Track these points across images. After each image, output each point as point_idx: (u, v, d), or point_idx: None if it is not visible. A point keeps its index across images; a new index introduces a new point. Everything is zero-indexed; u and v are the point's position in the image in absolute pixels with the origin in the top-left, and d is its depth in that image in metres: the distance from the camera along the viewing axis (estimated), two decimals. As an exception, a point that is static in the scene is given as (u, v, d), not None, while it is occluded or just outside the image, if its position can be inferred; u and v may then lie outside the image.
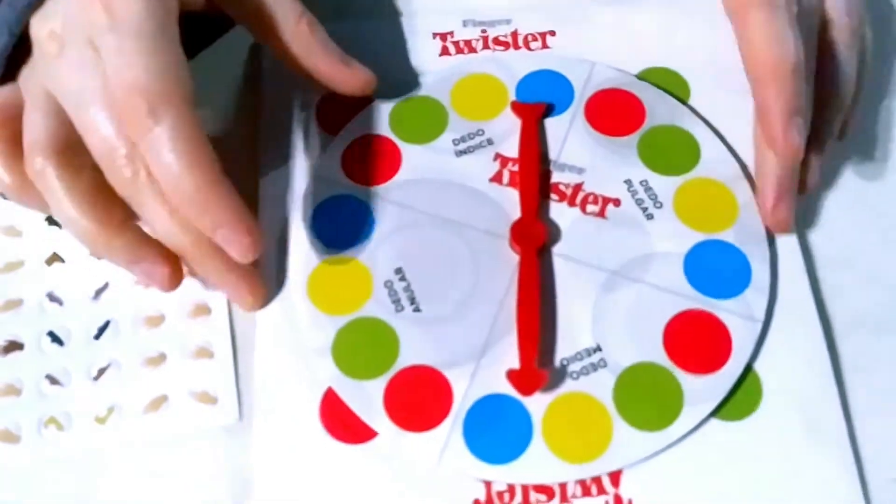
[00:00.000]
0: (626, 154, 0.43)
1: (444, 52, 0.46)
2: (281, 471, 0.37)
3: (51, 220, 0.43)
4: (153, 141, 0.34)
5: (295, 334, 0.39)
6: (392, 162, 0.43)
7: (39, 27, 0.36)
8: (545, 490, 0.37)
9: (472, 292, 0.39)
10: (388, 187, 0.42)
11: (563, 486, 0.37)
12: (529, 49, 0.46)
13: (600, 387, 0.38)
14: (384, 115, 0.44)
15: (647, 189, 0.42)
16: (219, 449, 0.38)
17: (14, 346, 0.40)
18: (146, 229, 0.37)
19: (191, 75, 0.35)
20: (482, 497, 0.37)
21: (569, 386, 0.38)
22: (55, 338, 0.40)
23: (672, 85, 0.45)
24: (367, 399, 0.37)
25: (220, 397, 0.38)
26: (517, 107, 0.44)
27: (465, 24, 0.47)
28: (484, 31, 0.47)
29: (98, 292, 0.41)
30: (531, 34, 0.47)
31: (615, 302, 0.39)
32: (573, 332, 0.39)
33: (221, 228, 0.35)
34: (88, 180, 0.36)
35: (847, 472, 0.37)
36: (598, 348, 0.38)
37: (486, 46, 0.46)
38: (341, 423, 0.37)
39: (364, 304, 0.39)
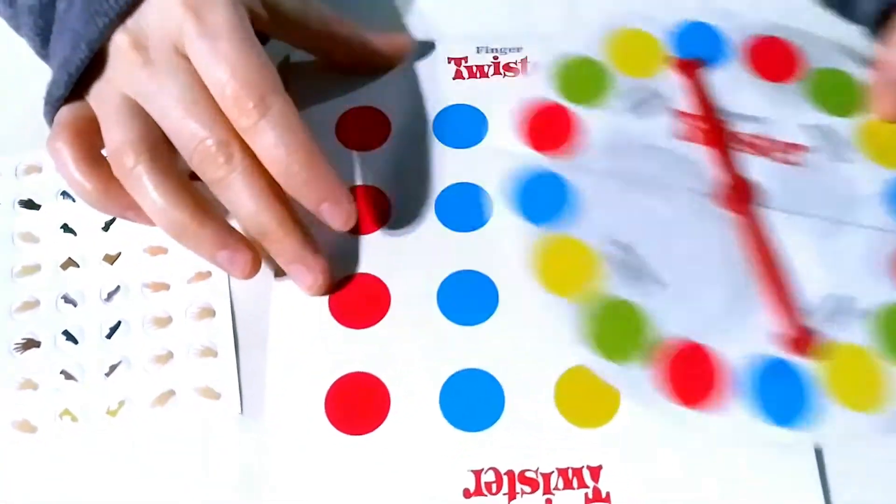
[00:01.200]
0: (796, 100, 0.43)
1: (458, 75, 0.49)
2: (288, 461, 0.40)
3: (66, 228, 0.45)
4: (264, 127, 0.38)
5: (303, 328, 0.42)
6: (572, 127, 0.44)
7: (122, 39, 0.40)
8: (530, 482, 0.39)
9: (698, 255, 0.41)
10: (577, 155, 0.44)
11: (546, 477, 0.39)
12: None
13: (861, 333, 0.40)
14: (547, 80, 0.46)
15: (829, 132, 0.43)
16: (221, 441, 0.40)
17: (31, 343, 0.43)
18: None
19: None
20: (471, 486, 0.39)
21: (834, 337, 0.40)
22: (70, 336, 0.43)
23: None
24: (636, 382, 0.40)
25: (223, 393, 0.41)
26: (679, 63, 0.45)
27: (478, 50, 0.49)
28: (496, 58, 0.49)
29: (110, 295, 0.44)
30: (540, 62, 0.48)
31: (840, 247, 0.41)
32: (810, 283, 0.40)
33: (326, 201, 0.39)
34: (176, 174, 0.39)
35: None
36: (845, 296, 0.40)
37: (497, 72, 0.49)
38: (345, 415, 0.40)
39: (598, 282, 0.42)
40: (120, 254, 0.45)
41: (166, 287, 0.44)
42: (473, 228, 0.45)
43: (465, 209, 0.45)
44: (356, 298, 0.43)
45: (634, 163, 0.43)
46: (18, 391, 0.42)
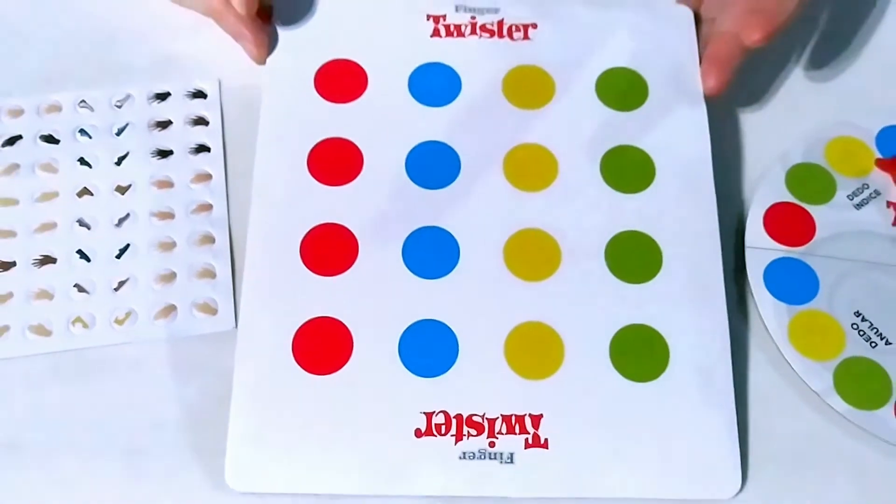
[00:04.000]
0: None
1: (436, 33, 0.52)
2: (254, 396, 0.44)
3: (82, 161, 0.51)
4: None
5: (275, 274, 0.46)
6: (807, 224, 0.49)
7: None
8: (476, 425, 0.44)
9: None
10: (815, 245, 0.49)
11: (491, 422, 0.44)
12: (512, 39, 0.53)
13: None
14: (783, 184, 0.51)
15: None
16: (214, 350, 0.46)
17: (48, 259, 0.48)
18: None
19: None
20: (423, 427, 0.44)
21: None
22: (83, 255, 0.48)
23: (632, 85, 0.52)
24: (882, 423, 0.45)
25: (220, 309, 0.47)
26: (884, 164, 0.51)
27: (457, 9, 0.53)
28: (473, 18, 0.53)
29: (121, 221, 0.49)
30: (515, 25, 0.53)
31: None
32: None
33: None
34: None
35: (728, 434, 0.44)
36: None
37: (473, 32, 0.52)
38: (310, 355, 0.44)
39: (844, 347, 0.47)
40: (130, 185, 0.50)
41: (171, 216, 0.49)
42: (441, 186, 0.49)
43: (435, 167, 0.49)
44: (325, 248, 0.47)
45: (864, 247, 0.49)
46: (35, 300, 0.47)
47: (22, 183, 0.50)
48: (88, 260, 0.48)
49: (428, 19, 0.53)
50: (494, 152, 0.50)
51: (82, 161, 0.51)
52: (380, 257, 0.47)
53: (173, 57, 0.54)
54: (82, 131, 0.51)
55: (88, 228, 0.49)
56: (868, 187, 0.51)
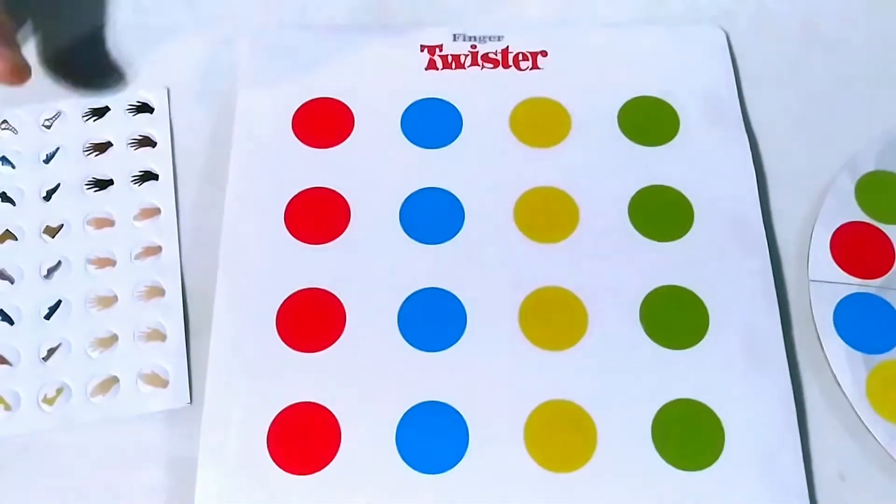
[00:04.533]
0: None
1: (431, 65, 0.46)
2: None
3: (3, 197, 0.43)
4: None
5: (249, 365, 0.39)
6: (885, 249, 0.42)
7: None
8: None
9: None
10: (894, 277, 0.41)
11: None
12: (519, 69, 0.47)
13: None
14: (853, 198, 0.43)
15: None
16: (166, 432, 0.38)
17: (-40, 323, 0.39)
18: None
19: None
20: None
21: None
22: (5, 316, 0.40)
23: (661, 116, 0.46)
24: None
25: (172, 380, 0.38)
26: None
27: (455, 37, 0.47)
28: (474, 47, 0.47)
29: (50, 271, 0.41)
30: (522, 53, 0.47)
31: None
32: None
33: None
34: None
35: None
36: None
37: (474, 62, 0.47)
38: (291, 452, 0.37)
39: None
40: (62, 226, 0.42)
41: (112, 263, 0.41)
42: (441, 241, 0.42)
43: (434, 218, 0.43)
44: (307, 319, 0.40)
45: None
46: None
47: None
48: (11, 322, 0.40)
49: (422, 50, 0.47)
50: (503, 198, 0.43)
51: (3, 197, 0.43)
52: (371, 328, 0.40)
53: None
54: (3, 159, 0.44)
55: (11, 282, 0.41)
56: None
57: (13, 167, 0.43)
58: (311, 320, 0.40)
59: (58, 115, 0.45)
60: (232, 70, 0.46)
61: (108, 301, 0.40)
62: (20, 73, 0.40)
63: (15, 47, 0.41)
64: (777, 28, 0.49)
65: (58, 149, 0.44)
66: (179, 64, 0.46)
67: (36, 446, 0.38)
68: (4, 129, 0.44)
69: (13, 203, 0.43)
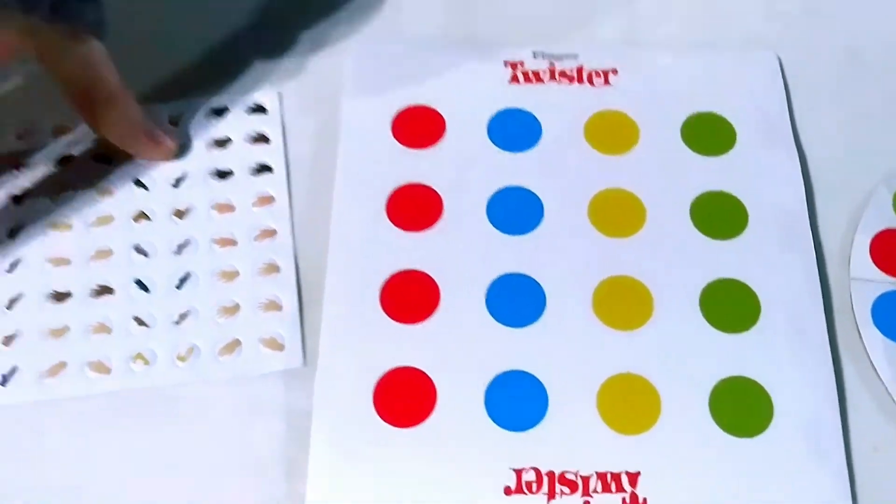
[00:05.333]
0: None
1: (514, 79, 0.51)
2: (332, 448, 0.41)
3: (138, 182, 0.48)
4: None
5: (354, 323, 0.44)
6: None
7: None
8: (569, 483, 0.41)
9: None
10: None
11: (585, 480, 0.41)
12: (592, 85, 0.52)
13: None
14: (890, 207, 0.48)
15: None
16: (283, 389, 0.43)
17: (105, 290, 0.45)
18: None
19: None
20: (512, 484, 0.41)
21: None
22: (142, 285, 0.45)
23: (719, 130, 0.50)
24: None
25: (287, 344, 0.44)
26: None
27: (535, 55, 0.52)
28: (552, 64, 0.52)
29: (180, 248, 0.46)
30: (595, 71, 0.52)
31: None
32: None
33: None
34: None
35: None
36: None
37: (552, 78, 0.52)
38: (392, 407, 0.42)
39: None
40: (189, 209, 0.48)
41: (234, 243, 0.46)
42: (523, 232, 0.47)
43: (517, 212, 0.48)
44: (406, 295, 0.45)
45: None
46: (93, 334, 0.44)
47: (75, 207, 0.47)
48: (147, 290, 0.45)
49: (506, 66, 0.52)
50: (578, 197, 0.48)
51: (138, 182, 0.48)
52: (463, 305, 0.45)
53: (229, 68, 0.52)
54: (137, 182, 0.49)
55: (146, 256, 0.46)
56: None
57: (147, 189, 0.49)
58: (410, 296, 0.45)
59: (182, 113, 0.50)
60: (337, 77, 0.51)
61: (231, 275, 0.45)
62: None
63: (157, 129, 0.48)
64: (825, 54, 0.54)
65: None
66: (291, 70, 0.52)
67: (171, 395, 0.43)
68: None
69: (146, 188, 0.48)
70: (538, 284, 0.45)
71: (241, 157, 0.49)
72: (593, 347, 0.44)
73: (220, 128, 0.50)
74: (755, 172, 0.49)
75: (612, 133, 0.50)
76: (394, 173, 0.48)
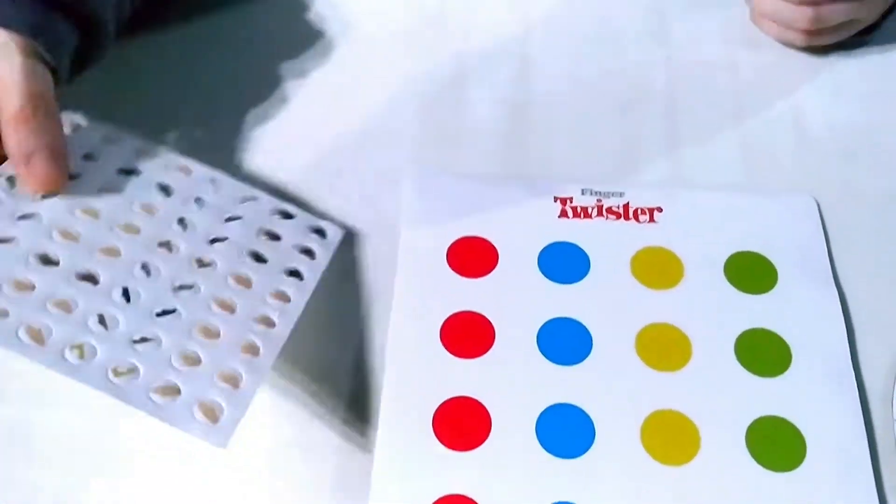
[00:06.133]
0: None
1: (563, 214, 0.54)
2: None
3: (181, 221, 0.50)
4: None
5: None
6: None
7: None
8: None
9: None
10: None
11: None
12: (638, 221, 0.54)
13: None
14: None
15: None
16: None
17: (90, 278, 0.45)
18: None
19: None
20: None
21: None
22: (126, 294, 0.45)
23: (761, 269, 0.52)
24: None
25: (222, 421, 0.42)
26: None
27: (583, 192, 0.55)
28: (599, 200, 0.54)
29: (181, 287, 0.47)
30: (641, 208, 0.54)
31: None
32: None
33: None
34: None
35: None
36: None
37: (599, 214, 0.54)
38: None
39: None
40: (211, 265, 0.46)
41: (232, 310, 0.47)
42: (573, 363, 0.48)
43: (567, 343, 0.49)
44: (458, 422, 0.47)
45: None
46: (52, 306, 0.44)
47: (112, 205, 0.49)
48: (128, 300, 0.45)
49: (555, 201, 0.54)
50: (626, 330, 0.50)
51: (181, 221, 0.50)
52: (513, 434, 0.46)
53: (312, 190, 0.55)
54: (198, 199, 0.51)
55: (147, 275, 0.46)
56: None
57: (200, 207, 0.51)
58: (462, 423, 0.46)
59: (254, 198, 0.53)
60: (397, 206, 0.54)
61: (210, 333, 0.44)
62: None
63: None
64: (862, 196, 0.56)
65: (242, 216, 0.51)
66: (355, 199, 0.55)
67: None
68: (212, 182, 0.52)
69: (185, 227, 0.49)
70: (587, 416, 0.47)
71: (282, 255, 0.50)
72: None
73: (280, 226, 0.52)
74: (797, 311, 0.51)
75: (657, 268, 0.52)
76: (448, 300, 0.51)
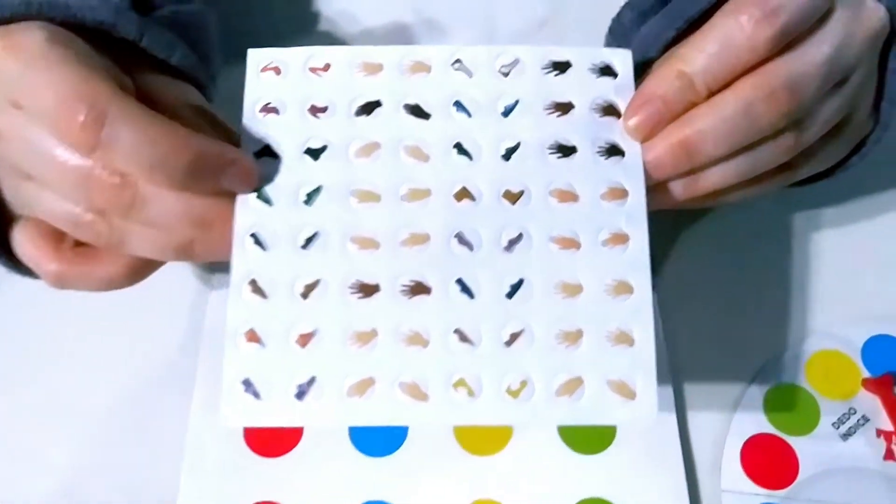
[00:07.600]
0: None
1: None
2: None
3: (460, 149, 0.38)
4: (110, 139, 0.32)
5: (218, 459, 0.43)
6: (789, 460, 0.43)
7: None
8: None
9: None
10: (799, 487, 0.42)
11: None
12: None
13: None
14: (761, 411, 0.44)
15: None
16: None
17: (420, 288, 0.37)
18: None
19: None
20: None
21: None
22: (464, 288, 0.37)
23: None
24: None
25: (639, 391, 0.37)
26: (871, 384, 0.44)
27: None
28: None
29: (511, 243, 0.37)
30: None
31: None
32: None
33: (227, 167, 0.35)
34: None
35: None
36: None
37: None
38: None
39: None
40: (522, 192, 0.38)
41: (576, 245, 0.37)
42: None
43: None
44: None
45: (848, 488, 0.42)
46: (406, 345, 0.36)
47: (383, 172, 0.37)
48: (471, 296, 0.36)
49: None
50: None
51: (459, 148, 0.37)
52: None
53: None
54: (458, 104, 0.38)
55: (470, 249, 0.37)
56: (855, 412, 0.45)
57: (469, 115, 0.38)
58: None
59: (515, 62, 0.38)
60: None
61: (574, 290, 0.37)
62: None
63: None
64: None
65: (517, 102, 0.38)
66: None
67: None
68: (458, 69, 0.38)
69: (469, 157, 0.38)
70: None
71: (586, 130, 0.39)
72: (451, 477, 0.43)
73: (561, 87, 0.39)
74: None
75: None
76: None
